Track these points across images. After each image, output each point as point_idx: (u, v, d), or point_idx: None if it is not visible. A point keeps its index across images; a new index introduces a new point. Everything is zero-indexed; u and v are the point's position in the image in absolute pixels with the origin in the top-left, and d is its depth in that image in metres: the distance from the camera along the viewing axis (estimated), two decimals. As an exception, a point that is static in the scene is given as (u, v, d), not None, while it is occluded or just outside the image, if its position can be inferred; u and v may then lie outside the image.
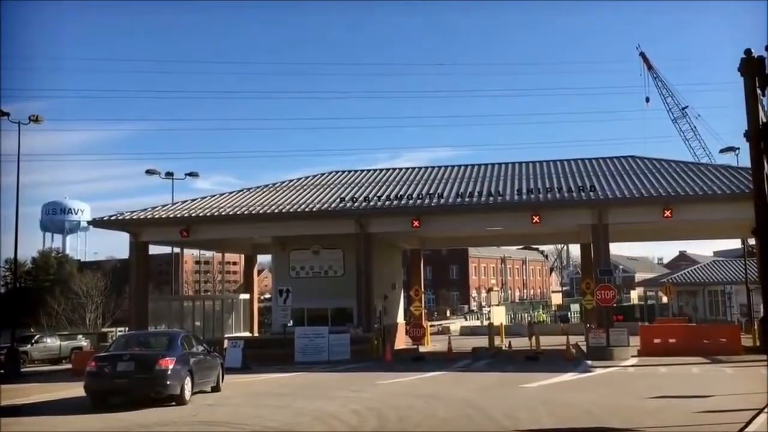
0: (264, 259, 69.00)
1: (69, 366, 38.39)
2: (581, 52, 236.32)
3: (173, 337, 23.28)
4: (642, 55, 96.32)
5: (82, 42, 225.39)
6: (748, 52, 6.13)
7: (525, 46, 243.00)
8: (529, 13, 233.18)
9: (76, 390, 26.29)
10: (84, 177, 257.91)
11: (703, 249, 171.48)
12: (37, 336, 47.36)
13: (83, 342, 47.46)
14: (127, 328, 42.69)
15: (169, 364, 20.47)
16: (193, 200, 44.38)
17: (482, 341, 43.27)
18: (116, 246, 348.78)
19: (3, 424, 17.73)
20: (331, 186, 44.75)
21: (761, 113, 6.07)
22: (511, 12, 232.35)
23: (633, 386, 24.12)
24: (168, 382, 20.35)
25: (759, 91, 6.10)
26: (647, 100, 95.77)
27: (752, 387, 19.61)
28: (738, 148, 45.86)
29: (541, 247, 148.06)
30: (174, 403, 20.77)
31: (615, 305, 38.38)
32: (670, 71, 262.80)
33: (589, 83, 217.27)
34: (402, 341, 47.62)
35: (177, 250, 49.25)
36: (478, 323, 75.13)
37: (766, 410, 15.01)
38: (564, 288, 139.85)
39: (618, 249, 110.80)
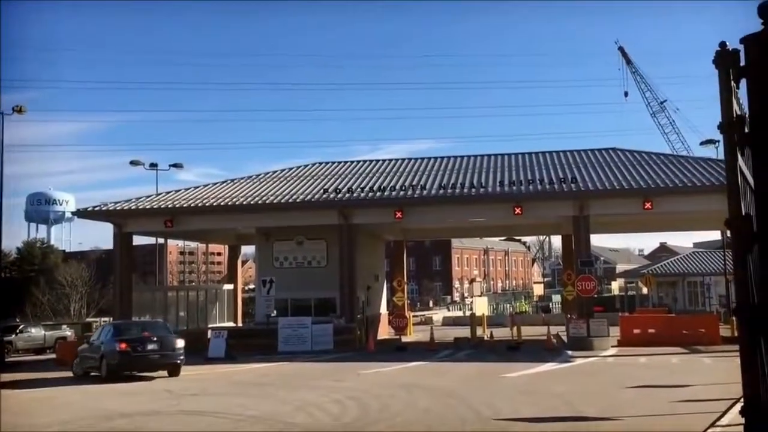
0: (248, 249, 68.79)
1: (53, 356, 38.52)
2: (561, 45, 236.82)
3: (165, 324, 31.51)
4: (621, 49, 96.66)
5: (67, 33, 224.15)
6: (722, 44, 6.09)
7: (506, 39, 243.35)
8: (510, 8, 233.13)
9: (60, 376, 26.99)
10: (68, 168, 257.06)
11: (683, 240, 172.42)
12: (22, 326, 47.29)
13: (67, 332, 47.35)
14: (111, 318, 42.73)
15: (182, 343, 27.41)
16: (177, 191, 44.20)
17: (464, 332, 43.16)
18: (101, 236, 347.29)
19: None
20: (315, 177, 44.68)
21: (735, 105, 6.12)
22: (492, 7, 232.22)
23: (612, 376, 24.40)
24: (182, 357, 27.24)
25: (733, 84, 6.08)
26: (626, 94, 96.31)
27: (730, 377, 19.60)
28: (718, 141, 46.02)
29: (524, 239, 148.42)
30: (169, 375, 26.83)
31: (595, 296, 38.57)
32: (649, 65, 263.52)
33: (569, 76, 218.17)
34: (385, 331, 47.73)
35: (161, 240, 49.26)
36: (460, 314, 75.09)
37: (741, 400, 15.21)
38: (546, 279, 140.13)
39: (599, 240, 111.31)
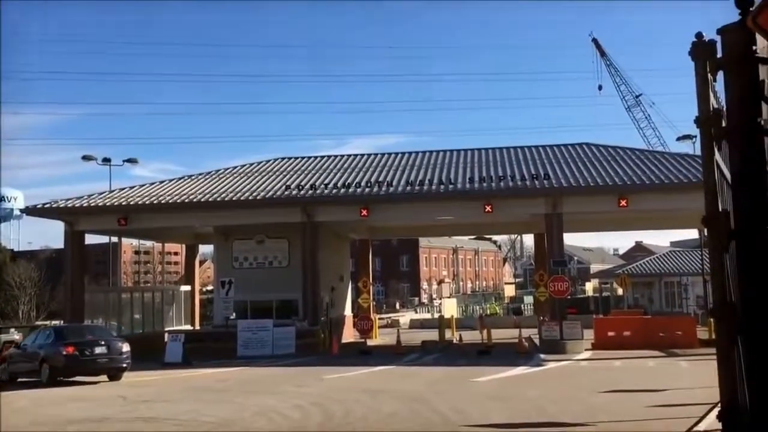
0: (206, 249, 67.84)
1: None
2: (535, 37, 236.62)
3: (106, 328, 33.32)
4: (595, 41, 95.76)
5: (18, 22, 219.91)
6: (699, 35, 5.95)
7: (476, 31, 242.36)
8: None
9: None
10: (17, 163, 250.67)
11: (659, 239, 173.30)
12: (-33, 329, 45.82)
13: (16, 336, 45.73)
14: (61, 321, 41.50)
15: (127, 347, 27.36)
16: (132, 188, 43.45)
17: (432, 334, 43.07)
18: (51, 235, 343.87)
19: None
20: (276, 173, 44.05)
21: (712, 99, 5.99)
22: None
23: (586, 380, 24.42)
24: (128, 361, 27.15)
25: (710, 76, 5.95)
26: (600, 88, 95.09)
27: (708, 381, 18.83)
28: (695, 136, 45.48)
29: (494, 237, 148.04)
30: (110, 380, 26.80)
31: (569, 297, 38.41)
32: (625, 57, 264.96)
33: (542, 68, 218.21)
34: (349, 334, 47.52)
35: (115, 239, 48.07)
36: (428, 316, 74.70)
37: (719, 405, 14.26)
38: (517, 279, 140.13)
39: (573, 239, 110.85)
